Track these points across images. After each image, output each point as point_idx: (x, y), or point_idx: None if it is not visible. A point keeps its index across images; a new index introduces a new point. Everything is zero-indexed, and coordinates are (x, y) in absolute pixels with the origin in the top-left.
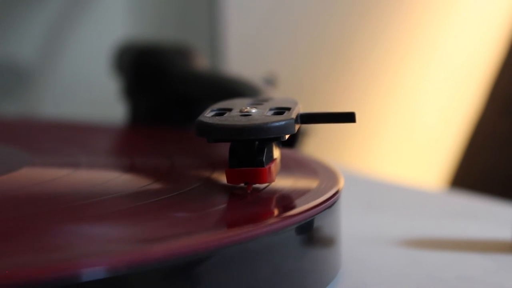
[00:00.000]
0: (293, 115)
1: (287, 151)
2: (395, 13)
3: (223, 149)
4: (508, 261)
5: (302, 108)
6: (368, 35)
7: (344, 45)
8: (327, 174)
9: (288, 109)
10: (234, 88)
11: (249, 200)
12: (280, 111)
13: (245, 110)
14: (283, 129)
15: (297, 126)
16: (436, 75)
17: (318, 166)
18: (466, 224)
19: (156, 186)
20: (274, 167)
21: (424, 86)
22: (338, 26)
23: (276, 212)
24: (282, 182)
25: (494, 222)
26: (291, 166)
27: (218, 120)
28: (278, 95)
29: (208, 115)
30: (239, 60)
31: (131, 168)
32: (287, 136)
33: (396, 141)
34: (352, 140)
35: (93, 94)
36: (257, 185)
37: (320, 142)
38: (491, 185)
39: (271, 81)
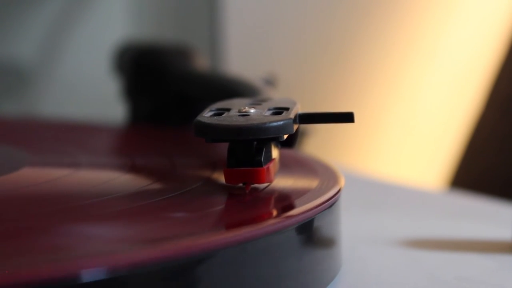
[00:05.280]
0: (292, 115)
1: (287, 150)
2: (395, 13)
3: (223, 149)
4: (508, 261)
5: (303, 107)
6: (367, 35)
7: (344, 45)
8: (327, 174)
9: (287, 109)
10: (234, 88)
11: (249, 200)
12: (278, 111)
13: (244, 110)
14: (281, 129)
15: (295, 126)
16: (436, 75)
17: (318, 165)
18: (466, 224)
19: (156, 186)
20: (273, 167)
21: (424, 86)
22: (338, 25)
23: (276, 212)
24: (282, 182)
25: (494, 222)
26: (291, 166)
27: (216, 120)
28: (278, 95)
29: (206, 115)
30: (239, 60)
31: (131, 169)
32: (285, 136)
33: (396, 141)
34: (352, 140)
35: (93, 94)
36: (257, 185)
37: (320, 142)
38: (490, 185)
39: (270, 81)
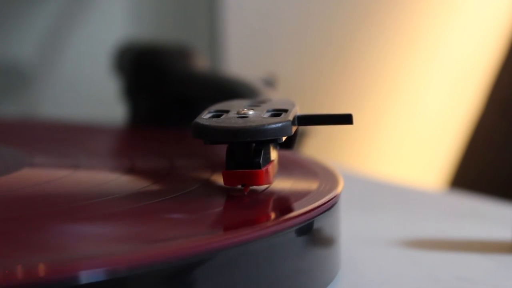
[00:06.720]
0: (290, 117)
1: (286, 152)
2: (396, 14)
3: (222, 150)
4: (508, 261)
5: (302, 108)
6: (367, 36)
7: (344, 46)
8: (326, 176)
9: (285, 110)
10: (233, 89)
11: (248, 202)
12: (277, 112)
13: (242, 112)
14: (280, 131)
15: (294, 128)
16: (436, 76)
17: (318, 167)
18: (465, 224)
19: (155, 187)
20: (271, 169)
21: (424, 86)
22: (338, 26)
23: (275, 214)
24: (281, 184)
25: (494, 222)
26: (290, 168)
27: (214, 122)
28: (277, 96)
29: (205, 116)
30: (239, 60)
31: (130, 169)
32: (284, 138)
33: (396, 141)
34: (352, 140)
35: (93, 94)
36: (256, 187)
37: (320, 143)
38: (490, 185)
39: (270, 82)
